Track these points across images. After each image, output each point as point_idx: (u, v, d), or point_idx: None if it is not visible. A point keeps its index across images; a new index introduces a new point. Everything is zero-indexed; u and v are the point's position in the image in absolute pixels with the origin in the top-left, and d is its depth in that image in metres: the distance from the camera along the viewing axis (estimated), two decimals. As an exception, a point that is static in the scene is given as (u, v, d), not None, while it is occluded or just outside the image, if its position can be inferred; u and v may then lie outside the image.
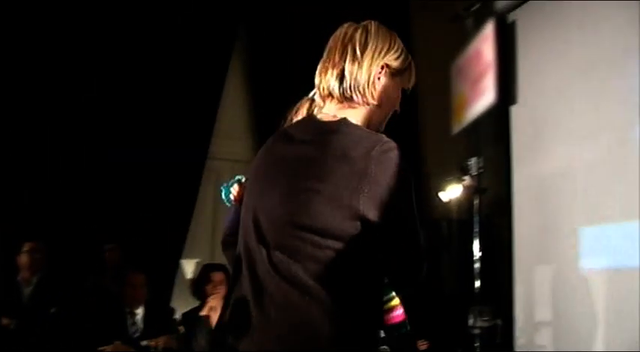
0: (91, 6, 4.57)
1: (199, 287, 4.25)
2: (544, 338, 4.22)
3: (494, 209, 4.85)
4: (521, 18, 4.80)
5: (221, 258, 4.74)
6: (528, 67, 4.66)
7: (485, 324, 4.24)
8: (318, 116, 1.56)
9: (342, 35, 1.55)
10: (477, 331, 4.21)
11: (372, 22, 1.59)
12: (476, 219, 4.50)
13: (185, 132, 4.72)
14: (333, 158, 1.41)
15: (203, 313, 4.12)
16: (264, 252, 1.43)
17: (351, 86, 1.50)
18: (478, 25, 5.04)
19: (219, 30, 4.93)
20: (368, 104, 1.53)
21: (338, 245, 1.40)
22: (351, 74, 1.50)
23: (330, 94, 1.52)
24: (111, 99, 4.62)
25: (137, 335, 4.12)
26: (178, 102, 4.73)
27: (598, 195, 3.78)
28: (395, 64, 1.55)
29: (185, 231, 4.68)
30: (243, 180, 1.74)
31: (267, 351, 1.39)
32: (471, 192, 4.51)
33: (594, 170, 3.85)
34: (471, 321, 4.25)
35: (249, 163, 5.24)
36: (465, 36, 5.13)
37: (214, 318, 4.12)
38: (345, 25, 1.59)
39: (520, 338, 4.35)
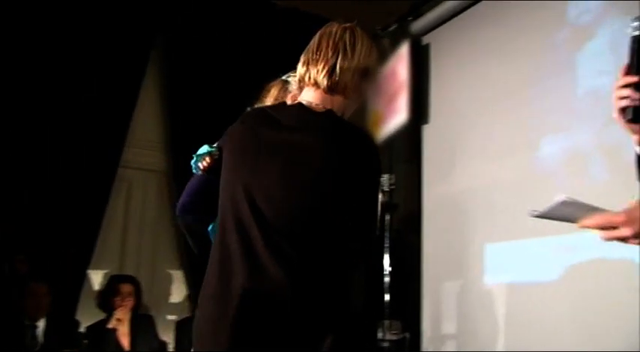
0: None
1: (106, 298, 4.13)
2: (449, 350, 4.35)
3: (404, 225, 4.97)
4: (435, 41, 4.98)
5: (130, 270, 4.63)
6: (440, 89, 4.83)
7: (394, 337, 4.32)
8: (304, 103, 1.70)
9: (332, 33, 1.73)
10: (385, 344, 4.29)
11: (357, 27, 1.79)
12: (386, 234, 4.59)
13: (97, 139, 4.57)
14: (326, 147, 1.58)
15: (110, 326, 4.00)
16: (262, 230, 1.54)
17: (339, 81, 1.68)
18: (394, 46, 5.18)
19: (136, 38, 4.83)
20: (346, 98, 1.72)
21: (330, 230, 1.55)
22: (341, 70, 1.68)
23: (316, 84, 1.69)
24: (20, 103, 4.42)
25: (37, 349, 3.93)
26: (90, 109, 4.58)
27: (503, 213, 3.95)
28: (371, 67, 1.78)
29: (94, 240, 4.51)
30: (215, 153, 1.80)
31: (264, 325, 1.49)
32: (382, 208, 4.60)
33: (501, 189, 4.02)
34: (380, 335, 4.32)
35: (163, 173, 5.12)
36: (381, 55, 5.25)
37: (121, 331, 4.01)
38: (335, 25, 1.77)
39: (427, 350, 4.46)
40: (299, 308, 1.49)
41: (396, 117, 4.81)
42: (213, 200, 1.70)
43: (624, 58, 1.49)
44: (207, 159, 1.82)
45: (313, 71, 1.69)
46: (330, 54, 1.69)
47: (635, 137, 1.50)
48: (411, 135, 4.90)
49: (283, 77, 2.14)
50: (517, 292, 3.84)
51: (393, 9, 5.11)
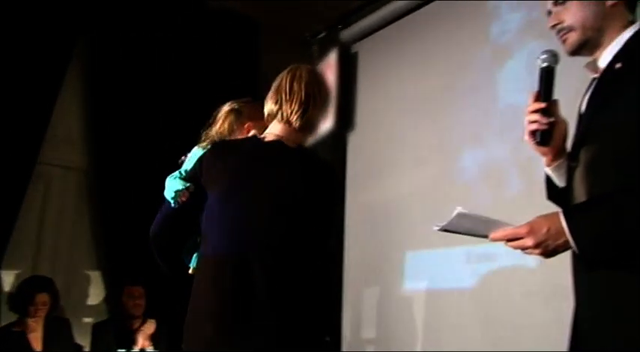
0: None
1: (20, 305, 3.94)
2: (368, 355, 4.43)
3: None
4: (364, 50, 5.07)
5: (45, 270, 4.46)
6: (367, 98, 4.92)
7: (314, 341, 4.35)
8: (275, 138, 1.97)
9: (302, 77, 2.01)
10: (305, 348, 4.31)
11: (321, 73, 2.17)
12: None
13: (14, 135, 4.39)
14: (304, 179, 1.91)
15: (18, 329, 3.85)
16: (259, 259, 1.80)
17: (308, 122, 1.98)
18: (323, 53, 5.24)
19: (59, 33, 4.67)
20: (310, 134, 2.04)
21: (311, 254, 1.88)
22: (312, 115, 1.99)
23: (288, 122, 1.97)
24: None
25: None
26: (8, 103, 4.40)
27: (423, 222, 4.06)
28: (328, 106, 2.07)
29: (7, 238, 4.33)
30: (192, 188, 2.01)
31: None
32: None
33: (422, 198, 4.13)
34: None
35: (83, 171, 4.94)
36: (310, 62, 5.30)
37: (34, 335, 3.86)
38: (302, 68, 2.05)
39: (346, 355, 4.53)
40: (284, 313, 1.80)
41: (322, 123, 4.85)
42: (186, 228, 2.03)
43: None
44: (186, 193, 2.00)
45: (287, 111, 1.97)
46: (303, 97, 1.97)
47: (544, 159, 1.61)
48: (337, 142, 4.97)
49: (235, 106, 2.31)
50: (435, 298, 3.96)
51: (323, 16, 5.16)
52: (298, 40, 5.37)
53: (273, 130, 1.99)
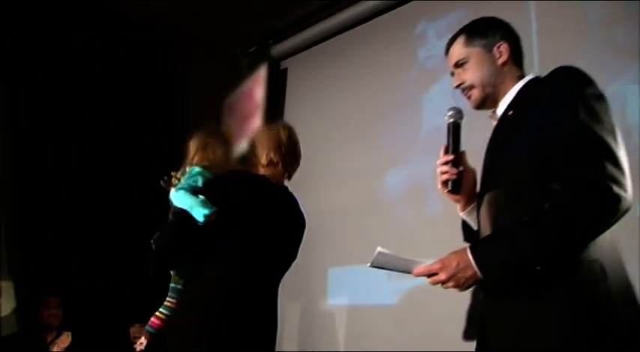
0: None
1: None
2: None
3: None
4: (293, 66, 5.12)
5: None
6: (295, 113, 4.96)
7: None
8: (278, 183, 2.46)
9: (298, 141, 2.51)
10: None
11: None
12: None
13: None
14: (297, 215, 2.50)
15: None
16: (270, 282, 2.36)
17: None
18: (253, 67, 5.26)
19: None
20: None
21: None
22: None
23: (288, 173, 2.48)
24: None
25: None
26: None
27: (347, 238, 4.12)
28: None
29: None
30: (217, 210, 2.25)
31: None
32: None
33: (346, 215, 4.20)
34: None
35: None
36: (240, 75, 5.31)
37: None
38: (294, 132, 2.53)
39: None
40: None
41: (250, 136, 4.85)
42: (195, 243, 2.30)
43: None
44: (214, 215, 2.24)
45: (289, 166, 2.47)
46: (299, 157, 2.51)
47: (458, 205, 1.80)
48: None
49: (224, 137, 2.77)
50: (357, 314, 4.01)
51: (253, 30, 5.18)
52: (228, 53, 5.37)
53: (274, 174, 2.44)
